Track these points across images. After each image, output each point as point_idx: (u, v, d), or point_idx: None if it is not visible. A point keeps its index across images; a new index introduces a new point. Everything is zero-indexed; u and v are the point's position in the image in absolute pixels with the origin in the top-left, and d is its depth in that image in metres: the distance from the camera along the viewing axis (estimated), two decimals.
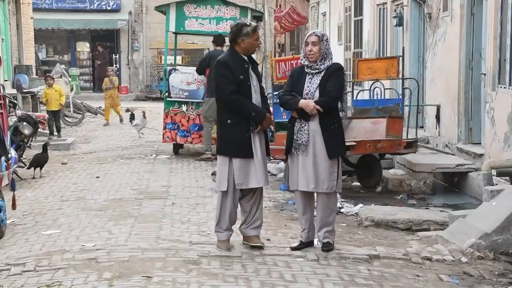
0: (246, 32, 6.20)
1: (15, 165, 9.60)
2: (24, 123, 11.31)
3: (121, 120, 19.23)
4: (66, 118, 18.66)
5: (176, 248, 6.22)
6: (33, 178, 10.71)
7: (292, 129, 6.22)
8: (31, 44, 22.57)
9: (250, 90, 6.16)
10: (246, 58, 6.24)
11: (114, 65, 32.72)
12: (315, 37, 6.17)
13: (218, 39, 12.19)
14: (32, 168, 10.83)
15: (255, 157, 6.11)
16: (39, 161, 10.87)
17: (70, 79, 20.12)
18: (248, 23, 6.31)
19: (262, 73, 20.55)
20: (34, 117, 12.13)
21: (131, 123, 16.33)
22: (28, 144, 11.75)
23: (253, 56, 6.57)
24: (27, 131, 11.26)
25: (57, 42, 33.81)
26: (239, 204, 6.33)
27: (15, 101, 13.66)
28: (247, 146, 6.11)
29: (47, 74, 17.00)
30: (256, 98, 6.18)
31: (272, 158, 9.48)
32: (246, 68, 6.19)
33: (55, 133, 15.46)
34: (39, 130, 12.52)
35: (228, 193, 6.19)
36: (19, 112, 12.27)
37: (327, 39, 6.23)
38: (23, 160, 11.43)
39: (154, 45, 31.15)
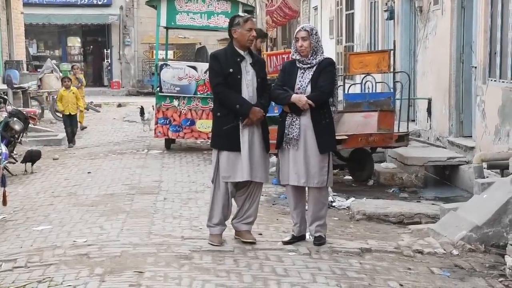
0: (237, 22, 6.22)
1: (6, 161, 9.57)
2: (15, 118, 11.27)
3: (81, 127, 16.27)
4: (57, 114, 18.58)
5: (168, 243, 6.22)
6: (25, 173, 10.68)
7: (283, 124, 6.21)
8: (22, 39, 22.47)
9: (240, 84, 6.14)
10: (242, 52, 6.22)
11: (106, 60, 32.66)
12: (305, 32, 6.16)
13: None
14: (25, 163, 10.83)
15: (243, 151, 6.10)
16: (33, 157, 10.88)
17: (61, 74, 20.02)
18: (242, 15, 6.37)
19: None
20: (24, 112, 12.09)
21: (142, 118, 16.01)
22: (19, 140, 11.71)
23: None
24: (17, 126, 11.22)
25: (48, 37, 33.72)
26: (233, 198, 6.33)
27: (5, 97, 13.62)
28: (234, 139, 6.10)
29: (64, 76, 15.47)
30: (247, 93, 6.16)
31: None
32: (239, 61, 6.17)
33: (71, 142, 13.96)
34: (30, 125, 12.48)
35: (220, 186, 6.19)
36: (9, 108, 12.21)
37: (316, 32, 6.22)
38: (14, 156, 11.40)
39: (145, 39, 31.08)
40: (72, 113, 14.04)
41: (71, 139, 13.96)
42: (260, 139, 6.20)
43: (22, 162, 10.92)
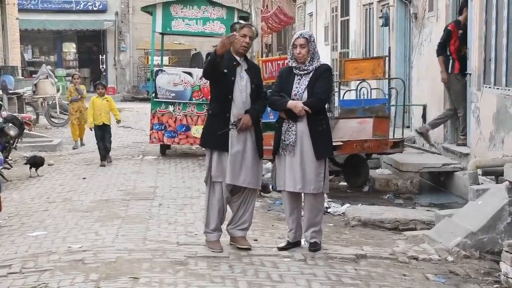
0: (234, 28, 6.31)
1: (1, 167, 9.57)
2: (10, 124, 11.28)
3: (81, 144, 14.69)
4: (52, 119, 18.58)
5: (163, 249, 6.21)
6: (30, 176, 10.79)
7: (279, 130, 6.22)
8: (17, 45, 22.45)
9: (233, 86, 6.15)
10: (238, 58, 6.24)
11: (101, 66, 32.66)
12: (303, 39, 6.16)
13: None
14: (30, 168, 10.93)
15: (231, 153, 6.09)
16: (36, 161, 10.96)
17: (56, 80, 20.01)
18: (241, 22, 6.45)
19: None
20: (20, 118, 12.10)
21: None
22: (14, 146, 11.71)
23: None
24: (12, 132, 11.23)
25: (43, 42, 33.70)
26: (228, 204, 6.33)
27: (0, 102, 13.60)
28: (223, 140, 6.11)
29: (99, 82, 13.25)
30: (241, 98, 6.17)
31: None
32: (235, 65, 6.20)
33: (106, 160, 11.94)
34: (25, 131, 12.48)
35: (215, 191, 6.19)
36: (4, 113, 12.22)
37: (314, 39, 6.24)
38: (9, 162, 11.38)
39: (140, 45, 31.09)
40: (106, 123, 11.96)
41: (104, 155, 11.81)
42: (252, 145, 6.21)
43: (25, 163, 11.04)
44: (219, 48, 6.04)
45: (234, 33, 6.15)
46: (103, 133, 11.92)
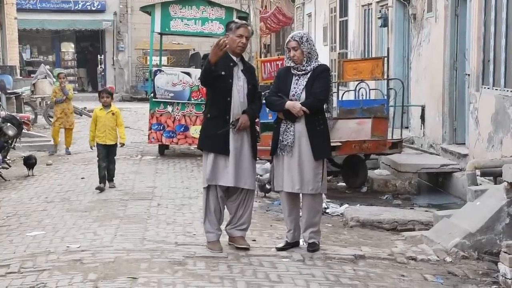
0: (230, 27, 6.28)
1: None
2: (8, 124, 11.27)
3: (67, 152, 13.38)
4: (51, 119, 18.54)
5: (161, 249, 6.21)
6: (32, 175, 10.83)
7: (277, 130, 6.22)
8: (15, 44, 22.44)
9: (231, 88, 6.15)
10: (235, 58, 6.23)
11: (99, 66, 32.64)
12: (294, 42, 6.13)
13: None
14: (29, 167, 10.93)
15: (230, 156, 6.09)
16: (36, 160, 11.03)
17: (54, 79, 19.97)
18: (236, 21, 6.41)
19: None
20: (18, 118, 12.09)
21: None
22: (12, 145, 11.70)
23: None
24: (11, 132, 11.22)
25: (42, 42, 33.68)
26: (225, 204, 6.33)
27: None
28: (222, 143, 6.10)
29: (103, 89, 11.86)
30: (238, 98, 6.16)
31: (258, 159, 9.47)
32: (231, 66, 6.19)
33: (108, 183, 9.65)
34: (23, 131, 12.47)
35: (211, 191, 6.19)
36: (3, 113, 12.22)
37: (307, 39, 6.16)
38: (7, 161, 11.38)
39: (139, 45, 31.07)
40: (110, 143, 9.71)
41: (104, 176, 9.56)
42: (249, 146, 6.21)
43: (26, 165, 11.02)
44: (211, 57, 6.02)
45: (224, 39, 6.09)
46: (107, 153, 9.70)
